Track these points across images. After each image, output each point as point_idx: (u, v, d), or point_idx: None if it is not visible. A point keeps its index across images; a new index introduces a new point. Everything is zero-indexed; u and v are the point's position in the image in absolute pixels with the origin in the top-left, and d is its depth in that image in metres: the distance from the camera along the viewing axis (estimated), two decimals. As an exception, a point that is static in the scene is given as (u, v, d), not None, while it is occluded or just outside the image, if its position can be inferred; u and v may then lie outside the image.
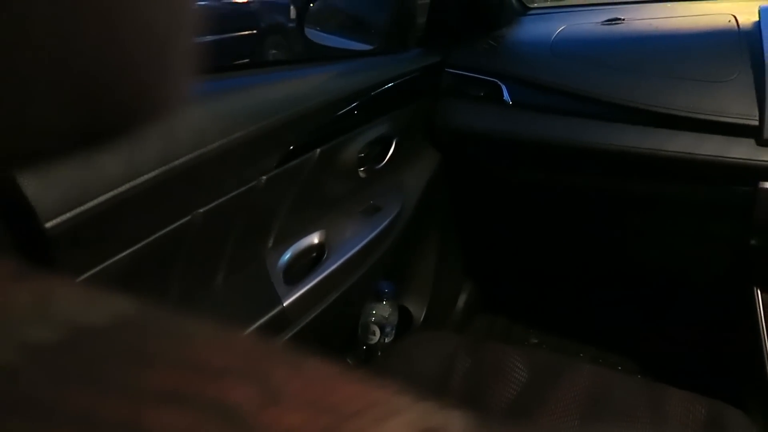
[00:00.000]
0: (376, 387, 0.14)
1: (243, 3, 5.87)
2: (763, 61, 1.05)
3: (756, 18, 1.16)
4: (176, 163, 0.69)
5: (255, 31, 5.79)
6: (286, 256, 0.97)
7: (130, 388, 0.11)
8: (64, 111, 0.16)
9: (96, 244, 0.64)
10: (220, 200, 0.80)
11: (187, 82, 0.19)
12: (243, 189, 0.84)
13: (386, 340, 1.23)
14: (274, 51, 5.74)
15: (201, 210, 0.76)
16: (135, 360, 0.12)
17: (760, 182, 1.05)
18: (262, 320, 0.86)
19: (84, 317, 0.13)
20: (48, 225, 0.56)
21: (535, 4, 1.59)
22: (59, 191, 0.58)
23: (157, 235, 0.70)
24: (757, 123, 1.03)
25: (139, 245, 0.68)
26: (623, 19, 1.33)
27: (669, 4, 1.45)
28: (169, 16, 0.18)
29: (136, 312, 0.14)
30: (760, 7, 1.19)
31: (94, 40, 0.15)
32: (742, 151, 1.05)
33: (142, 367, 0.12)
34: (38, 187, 0.56)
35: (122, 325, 0.13)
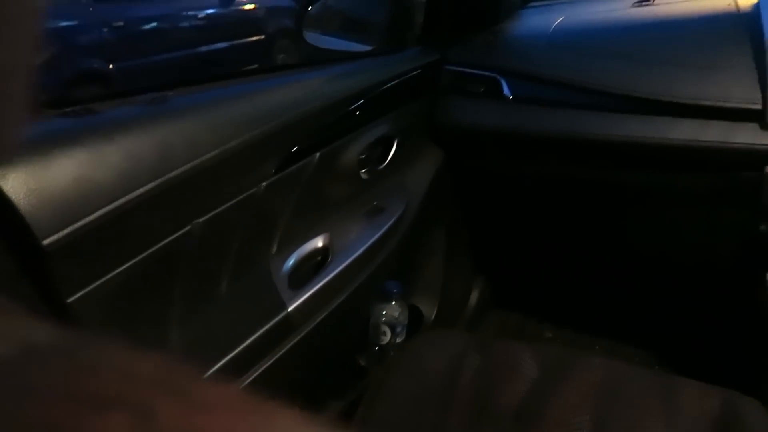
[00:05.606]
0: (266, 412, 0.13)
1: (251, 9, 5.91)
2: (764, 44, 1.04)
3: (755, 0, 1.15)
4: (172, 174, 0.69)
5: (263, 37, 5.83)
6: (291, 261, 0.97)
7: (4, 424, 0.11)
8: None
9: (95, 258, 0.64)
10: (220, 209, 0.80)
11: (15, 126, 0.18)
12: (243, 196, 0.84)
13: (397, 340, 1.22)
14: (282, 55, 5.75)
15: (200, 220, 0.77)
16: (21, 394, 0.12)
17: (767, 167, 1.03)
18: (267, 326, 0.86)
19: None
20: (45, 242, 0.57)
21: (535, -4, 1.59)
22: (55, 208, 0.58)
23: (156, 246, 0.71)
24: (760, 107, 1.02)
25: (138, 258, 0.69)
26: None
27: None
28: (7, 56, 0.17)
29: (46, 342, 0.14)
30: (759, -11, 1.17)
31: None
32: (746, 135, 1.03)
33: (26, 401, 0.12)
34: (33, 204, 0.56)
35: (26, 358, 0.13)
